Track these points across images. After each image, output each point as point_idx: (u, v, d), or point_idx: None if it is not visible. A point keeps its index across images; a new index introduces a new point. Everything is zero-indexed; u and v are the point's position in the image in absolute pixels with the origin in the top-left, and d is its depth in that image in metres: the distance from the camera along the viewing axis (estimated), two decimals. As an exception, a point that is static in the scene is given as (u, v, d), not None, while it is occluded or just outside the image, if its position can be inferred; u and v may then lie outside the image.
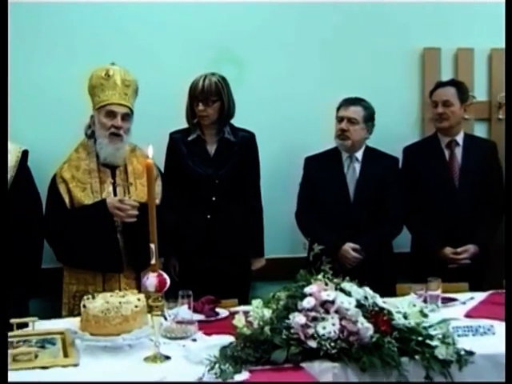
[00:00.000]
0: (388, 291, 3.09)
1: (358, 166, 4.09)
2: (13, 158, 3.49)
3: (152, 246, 2.58)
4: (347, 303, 2.61)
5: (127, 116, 3.56)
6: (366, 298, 2.70)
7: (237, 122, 3.96)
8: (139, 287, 3.17)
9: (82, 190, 3.53)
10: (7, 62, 3.19)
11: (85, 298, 2.80)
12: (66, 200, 3.53)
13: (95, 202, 3.51)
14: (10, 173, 3.45)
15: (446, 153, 4.18)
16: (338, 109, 4.07)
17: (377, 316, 2.64)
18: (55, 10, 4.02)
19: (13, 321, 2.71)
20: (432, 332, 2.69)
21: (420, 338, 2.64)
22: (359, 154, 4.10)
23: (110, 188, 3.57)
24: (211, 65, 4.01)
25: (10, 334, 2.63)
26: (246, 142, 3.96)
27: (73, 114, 3.79)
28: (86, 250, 3.45)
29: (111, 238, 3.47)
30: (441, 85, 4.19)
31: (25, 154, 3.57)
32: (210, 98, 3.80)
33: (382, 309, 2.69)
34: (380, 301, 2.73)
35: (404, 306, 2.76)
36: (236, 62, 4.19)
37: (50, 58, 4.03)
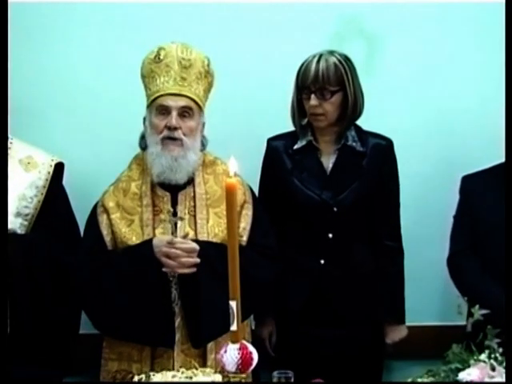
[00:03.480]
0: None
1: (544, 189, 3.89)
2: (42, 173, 3.51)
3: (233, 304, 2.49)
4: (524, 398, 2.52)
5: (189, 111, 3.44)
6: (552, 390, 2.58)
7: (361, 123, 3.86)
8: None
9: (128, 224, 3.46)
10: (7, 62, 3.31)
11: (136, 377, 2.78)
12: (107, 238, 3.48)
13: (139, 244, 3.41)
14: (38, 196, 3.46)
15: None
16: None
17: None
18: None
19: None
20: None
21: None
22: (546, 171, 3.90)
23: (168, 221, 3.46)
24: (329, 41, 3.96)
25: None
26: (380, 152, 3.85)
27: (131, 120, 3.73)
28: (125, 314, 3.37)
29: (159, 297, 3.37)
30: None
31: (59, 167, 3.58)
32: (328, 87, 3.68)
33: None
34: None
35: None
36: (365, 36, 4.11)
37: (103, 48, 4.11)
